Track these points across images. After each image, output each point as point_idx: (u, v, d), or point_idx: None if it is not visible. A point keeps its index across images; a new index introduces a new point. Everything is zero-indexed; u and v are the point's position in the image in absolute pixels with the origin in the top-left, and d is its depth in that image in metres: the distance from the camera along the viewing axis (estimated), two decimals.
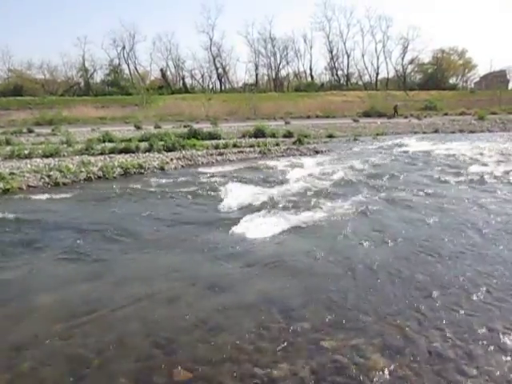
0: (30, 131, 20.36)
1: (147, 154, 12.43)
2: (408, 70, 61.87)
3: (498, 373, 2.53)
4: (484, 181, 8.45)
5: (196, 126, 19.20)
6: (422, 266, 4.17)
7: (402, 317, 3.19)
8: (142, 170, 10.29)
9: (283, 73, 63.08)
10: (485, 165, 10.63)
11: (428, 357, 2.69)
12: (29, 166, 9.93)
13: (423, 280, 3.84)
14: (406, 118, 32.51)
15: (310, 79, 61.80)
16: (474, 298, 3.46)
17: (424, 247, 4.66)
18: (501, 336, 2.90)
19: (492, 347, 2.77)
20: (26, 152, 11.72)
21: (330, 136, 19.42)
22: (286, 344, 2.85)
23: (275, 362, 2.65)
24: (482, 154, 12.73)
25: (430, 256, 4.41)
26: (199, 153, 12.98)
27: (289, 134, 18.27)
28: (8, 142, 14.51)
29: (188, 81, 59.68)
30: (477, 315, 3.19)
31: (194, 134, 16.24)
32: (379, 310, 3.30)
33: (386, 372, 2.54)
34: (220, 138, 16.41)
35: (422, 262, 4.27)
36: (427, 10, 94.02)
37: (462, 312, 3.24)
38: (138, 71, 58.43)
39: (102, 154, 12.27)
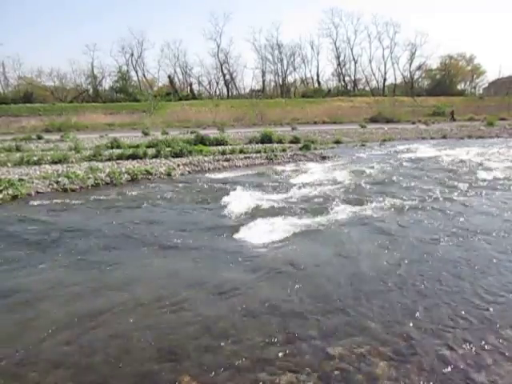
0: (40, 138, 20.59)
1: (154, 160, 12.50)
2: (416, 76, 61.66)
3: (508, 382, 2.49)
4: (492, 187, 8.37)
5: (203, 132, 19.29)
6: (429, 272, 4.13)
7: (409, 324, 3.15)
8: (150, 176, 10.35)
9: (290, 79, 63.25)
10: (491, 170, 10.53)
11: (436, 365, 2.65)
12: (38, 172, 10.04)
13: (431, 287, 3.80)
14: (413, 123, 32.37)
15: (316, 85, 61.83)
16: (483, 305, 3.42)
17: (431, 254, 4.62)
18: (510, 344, 2.85)
19: (501, 356, 2.73)
20: (35, 158, 11.86)
21: (337, 142, 19.39)
22: (291, 351, 2.83)
23: (281, 369, 2.64)
24: (488, 160, 12.62)
25: (437, 263, 4.37)
26: (206, 159, 13.03)
27: (295, 140, 18.28)
28: (18, 149, 14.70)
29: (195, 87, 60.00)
30: (485, 323, 3.15)
31: (201, 140, 16.32)
32: (386, 317, 3.27)
33: (393, 380, 2.51)
34: (227, 144, 16.46)
35: (429, 268, 4.23)
36: (435, 16, 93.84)
37: (471, 320, 3.19)
38: (146, 78, 58.92)
39: (109, 160, 12.37)
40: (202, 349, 2.89)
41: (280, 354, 2.80)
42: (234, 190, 8.30)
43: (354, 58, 61.22)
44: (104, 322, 3.27)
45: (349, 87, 61.10)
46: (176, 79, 59.49)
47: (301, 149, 16.08)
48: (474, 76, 62.27)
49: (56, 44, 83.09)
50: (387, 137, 21.87)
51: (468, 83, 63.40)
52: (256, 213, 6.42)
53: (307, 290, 3.81)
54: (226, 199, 7.48)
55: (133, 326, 3.22)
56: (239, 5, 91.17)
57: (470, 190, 8.13)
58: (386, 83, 61.58)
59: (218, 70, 59.86)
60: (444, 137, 22.61)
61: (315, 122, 34.38)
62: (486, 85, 62.07)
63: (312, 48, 64.15)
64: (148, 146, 14.76)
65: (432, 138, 22.20)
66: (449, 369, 2.62)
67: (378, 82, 62.08)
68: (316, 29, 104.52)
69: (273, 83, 62.88)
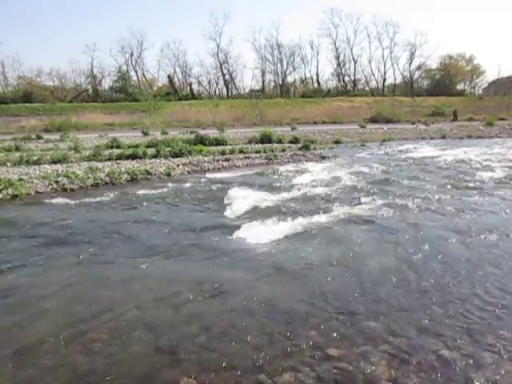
0: (39, 137, 20.57)
1: (154, 159, 12.49)
2: (415, 76, 61.80)
3: (507, 382, 2.49)
4: (491, 186, 8.37)
5: (202, 132, 19.28)
6: (429, 273, 4.13)
7: (409, 324, 3.15)
8: (149, 176, 10.33)
9: (290, 79, 63.39)
10: (492, 171, 10.53)
11: (435, 365, 2.65)
12: (37, 172, 10.03)
13: (430, 287, 3.80)
14: (413, 123, 32.39)
15: (316, 85, 61.92)
16: (483, 305, 3.42)
17: (431, 254, 4.62)
18: (510, 344, 2.85)
19: (501, 356, 2.73)
20: (35, 158, 11.84)
21: (337, 142, 19.39)
22: (291, 351, 2.83)
23: (280, 370, 2.63)
24: (489, 160, 12.63)
25: (437, 263, 4.37)
26: (205, 159, 13.02)
27: (295, 140, 18.28)
28: (17, 149, 14.68)
29: (195, 87, 60.06)
30: (486, 323, 3.14)
31: (201, 140, 16.32)
32: (386, 317, 3.27)
33: (393, 380, 2.51)
34: (226, 144, 16.45)
35: (430, 269, 4.23)
36: (435, 16, 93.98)
37: (471, 320, 3.19)
38: (145, 78, 58.98)
39: (109, 159, 12.36)
40: (201, 349, 2.89)
41: (280, 354, 2.80)
42: (234, 189, 8.30)
43: (353, 58, 61.44)
44: (103, 322, 3.26)
45: (348, 87, 61.19)
46: (176, 79, 59.60)
47: (300, 149, 16.07)
48: (474, 76, 62.38)
49: (56, 44, 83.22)
50: (387, 137, 21.88)
51: (467, 83, 63.53)
52: (256, 213, 6.42)
53: (307, 289, 3.80)
54: (225, 199, 7.47)
55: (132, 325, 3.22)
56: (239, 5, 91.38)
57: (470, 189, 8.13)
58: (386, 83, 61.78)
59: (217, 70, 60.02)
60: (443, 137, 22.62)
61: (315, 122, 34.41)
62: (486, 85, 62.22)
63: (312, 48, 64.47)
64: (147, 146, 14.75)
65: (432, 138, 22.20)
66: (449, 369, 2.61)
67: (377, 82, 62.29)
68: (316, 29, 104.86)
69: (272, 83, 63.07)
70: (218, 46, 58.37)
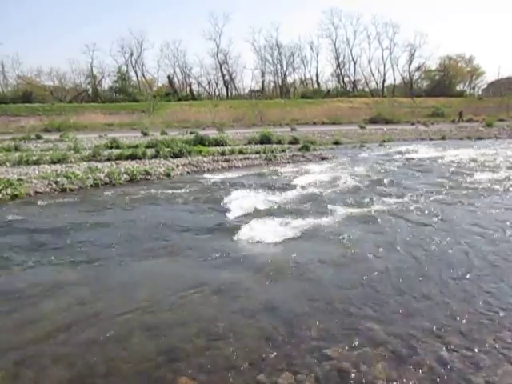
0: (39, 137, 20.53)
1: (153, 160, 12.49)
2: (415, 77, 61.76)
3: (506, 382, 2.49)
4: (489, 188, 8.38)
5: (202, 133, 19.27)
6: (427, 273, 4.13)
7: (407, 325, 3.15)
8: (149, 177, 10.34)
9: (289, 79, 63.32)
10: (490, 171, 10.54)
11: (434, 366, 2.65)
12: (36, 172, 10.03)
13: (429, 288, 3.80)
14: (412, 124, 32.40)
15: (316, 86, 61.90)
16: (482, 307, 3.42)
17: (430, 255, 4.62)
18: (508, 346, 2.85)
19: (499, 357, 2.73)
20: (34, 158, 11.84)
21: (337, 142, 19.40)
22: (290, 352, 2.83)
23: (279, 370, 2.64)
24: (489, 161, 12.64)
25: (435, 263, 4.37)
26: (205, 159, 13.02)
27: (295, 141, 18.27)
28: (17, 149, 14.68)
29: (195, 88, 59.99)
30: (484, 324, 3.15)
31: (200, 141, 16.30)
32: (385, 318, 3.28)
33: (391, 381, 2.51)
34: (226, 145, 16.45)
35: (428, 269, 4.23)
36: (435, 17, 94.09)
37: (469, 321, 3.20)
38: (145, 78, 58.91)
39: (108, 160, 12.36)
40: (200, 349, 2.89)
41: (279, 355, 2.80)
42: (233, 190, 8.30)
43: (353, 59, 61.36)
44: (101, 323, 3.26)
45: (348, 88, 61.12)
46: (175, 79, 59.54)
47: (300, 149, 16.08)
48: (473, 77, 62.36)
49: (55, 43, 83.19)
50: (386, 138, 21.90)
51: (467, 84, 63.51)
52: (255, 213, 6.42)
53: (306, 290, 3.81)
54: (225, 200, 7.47)
55: (131, 326, 3.22)
56: (239, 5, 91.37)
57: (470, 190, 8.14)
58: (386, 84, 61.70)
59: (217, 71, 59.95)
60: (443, 138, 22.63)
61: (314, 123, 34.38)
62: (485, 86, 62.19)
63: (311, 49, 64.58)
64: (147, 147, 14.74)
65: (431, 139, 22.23)
66: (447, 370, 2.62)
67: (377, 82, 62.22)
68: (315, 29, 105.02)
69: (272, 84, 62.99)
70: (218, 47, 58.37)
